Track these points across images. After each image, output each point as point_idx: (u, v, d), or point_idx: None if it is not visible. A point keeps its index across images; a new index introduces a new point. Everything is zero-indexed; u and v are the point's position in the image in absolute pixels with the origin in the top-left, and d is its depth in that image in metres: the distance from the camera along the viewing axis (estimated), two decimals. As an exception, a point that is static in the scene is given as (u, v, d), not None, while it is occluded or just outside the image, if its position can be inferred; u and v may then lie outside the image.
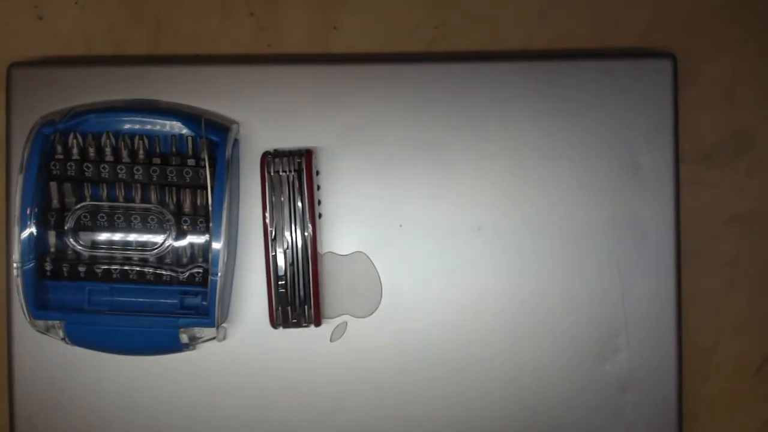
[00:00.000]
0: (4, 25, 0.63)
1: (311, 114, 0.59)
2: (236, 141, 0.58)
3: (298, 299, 0.57)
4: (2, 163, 0.59)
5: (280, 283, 0.56)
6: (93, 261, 0.56)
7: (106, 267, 0.56)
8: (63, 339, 0.56)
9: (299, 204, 0.56)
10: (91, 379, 0.59)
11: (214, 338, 0.56)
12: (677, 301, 0.59)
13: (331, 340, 0.59)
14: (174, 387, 0.59)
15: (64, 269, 0.56)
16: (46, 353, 0.59)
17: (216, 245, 0.54)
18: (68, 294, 0.56)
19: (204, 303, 0.56)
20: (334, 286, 0.58)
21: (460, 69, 0.59)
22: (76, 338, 0.56)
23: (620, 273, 0.59)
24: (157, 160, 0.56)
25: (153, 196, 0.57)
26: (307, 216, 0.56)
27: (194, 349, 0.57)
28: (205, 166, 0.55)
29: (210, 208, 0.55)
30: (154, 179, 0.56)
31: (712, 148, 0.62)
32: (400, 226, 0.59)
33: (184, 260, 0.57)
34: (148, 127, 0.57)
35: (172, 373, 0.59)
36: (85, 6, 0.62)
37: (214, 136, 0.56)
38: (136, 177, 0.56)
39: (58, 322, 0.55)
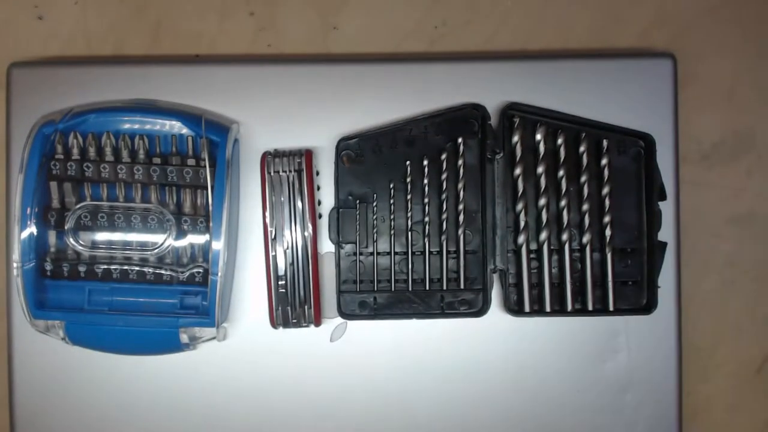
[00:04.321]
0: (4, 25, 0.63)
1: (311, 114, 0.59)
2: (236, 141, 0.58)
3: (298, 299, 0.57)
4: (2, 163, 0.59)
5: (280, 283, 0.56)
6: (93, 261, 0.56)
7: (106, 267, 0.56)
8: (63, 339, 0.56)
9: (299, 204, 0.56)
10: (91, 379, 0.59)
11: (214, 338, 0.56)
12: (677, 301, 0.59)
13: (331, 340, 0.59)
14: (174, 387, 0.59)
15: (64, 269, 0.56)
16: (46, 353, 0.59)
17: (216, 245, 0.55)
18: (68, 294, 0.56)
19: (204, 303, 0.56)
20: (334, 286, 0.58)
21: (460, 69, 0.59)
22: (76, 338, 0.56)
23: (620, 273, 0.59)
24: (157, 160, 0.56)
25: (153, 196, 0.57)
26: (307, 216, 0.56)
27: (194, 349, 0.57)
28: (205, 166, 0.55)
29: (210, 208, 0.55)
30: (154, 179, 0.56)
31: (712, 148, 0.62)
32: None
33: (184, 260, 0.57)
34: (148, 127, 0.57)
35: (172, 373, 0.59)
36: (85, 6, 0.62)
37: (214, 136, 0.56)
38: (136, 177, 0.56)
39: (58, 322, 0.55)
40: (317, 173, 0.58)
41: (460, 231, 0.57)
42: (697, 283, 0.62)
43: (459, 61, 0.60)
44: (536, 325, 0.59)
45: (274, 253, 0.56)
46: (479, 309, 0.58)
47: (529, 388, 0.59)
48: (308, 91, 0.59)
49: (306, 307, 0.57)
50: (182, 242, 0.56)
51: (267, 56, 0.62)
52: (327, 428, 0.59)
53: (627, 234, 0.58)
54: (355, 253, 0.58)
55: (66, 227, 0.56)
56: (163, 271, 0.56)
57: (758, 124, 0.62)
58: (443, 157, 0.58)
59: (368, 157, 0.58)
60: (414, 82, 0.59)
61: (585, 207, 0.58)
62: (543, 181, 0.58)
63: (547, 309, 0.58)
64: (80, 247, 0.56)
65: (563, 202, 0.58)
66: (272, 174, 0.56)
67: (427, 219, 0.58)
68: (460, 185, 0.58)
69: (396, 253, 0.58)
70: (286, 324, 0.57)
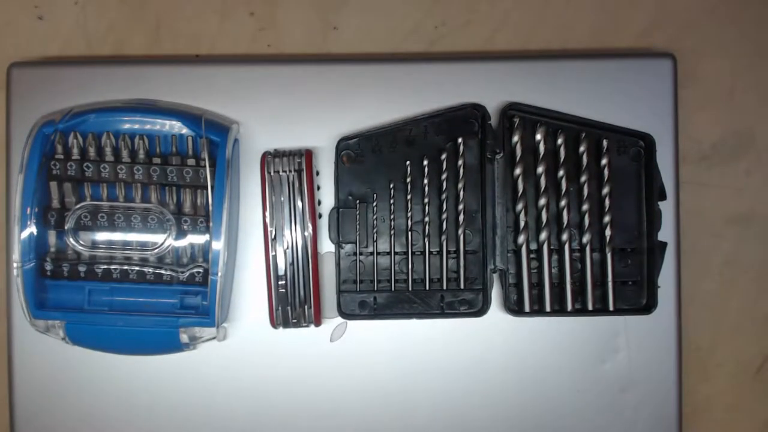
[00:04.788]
0: (4, 25, 0.63)
1: (311, 114, 0.59)
2: (236, 141, 0.58)
3: (298, 299, 0.57)
4: (2, 163, 0.59)
5: (280, 283, 0.56)
6: (93, 261, 0.56)
7: (106, 267, 0.56)
8: (63, 339, 0.56)
9: (299, 204, 0.56)
10: (91, 379, 0.59)
11: (214, 338, 0.56)
12: (677, 301, 0.59)
13: (331, 340, 0.59)
14: (174, 387, 0.59)
15: (64, 269, 0.56)
16: (46, 353, 0.59)
17: (216, 245, 0.55)
18: (68, 294, 0.56)
19: (204, 303, 0.56)
20: (334, 286, 0.58)
21: (460, 69, 0.59)
22: (76, 338, 0.56)
23: (620, 273, 0.59)
24: (157, 160, 0.57)
25: (153, 196, 0.57)
26: (307, 216, 0.56)
27: (194, 349, 0.57)
28: (205, 166, 0.55)
29: (210, 208, 0.55)
30: (154, 179, 0.56)
31: (712, 148, 0.62)
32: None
33: (184, 260, 0.57)
34: (148, 127, 0.57)
35: (172, 373, 0.59)
36: (85, 6, 0.62)
37: (214, 136, 0.56)
38: (136, 177, 0.56)
39: (58, 322, 0.55)
40: (317, 173, 0.58)
41: (460, 231, 0.58)
42: (697, 283, 0.62)
43: (459, 61, 0.60)
44: (536, 325, 0.59)
45: (274, 253, 0.56)
46: (479, 309, 0.58)
47: (529, 388, 0.59)
48: (308, 91, 0.59)
49: (306, 307, 0.57)
50: (182, 242, 0.56)
51: (267, 56, 0.62)
52: (327, 428, 0.59)
53: (627, 234, 0.59)
54: (355, 253, 0.58)
55: (66, 227, 0.56)
56: (163, 271, 0.56)
57: (758, 124, 0.62)
58: (443, 157, 0.58)
59: (368, 157, 0.58)
60: (414, 82, 0.59)
61: (585, 207, 0.58)
62: (543, 181, 0.58)
63: (547, 309, 0.58)
64: (80, 247, 0.56)
65: (563, 202, 0.58)
66: (272, 174, 0.56)
67: (427, 219, 0.58)
68: (460, 185, 0.58)
69: (396, 253, 0.58)
70: (286, 324, 0.57)
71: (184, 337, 0.56)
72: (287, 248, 0.56)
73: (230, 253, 0.57)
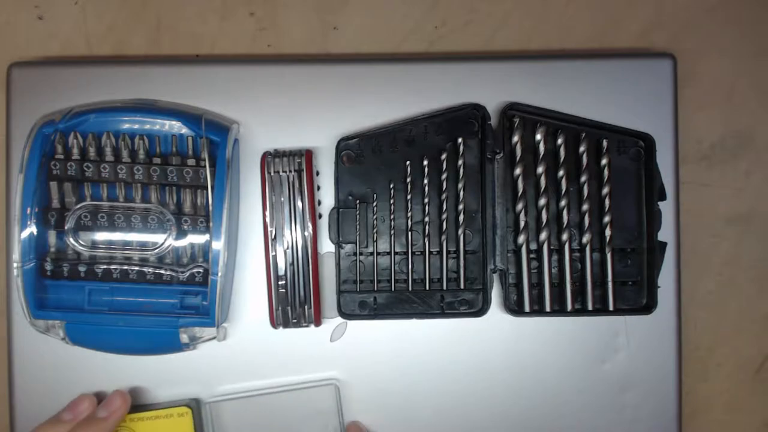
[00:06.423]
0: (4, 25, 0.63)
1: (311, 114, 0.59)
2: (236, 141, 0.58)
3: (298, 299, 0.57)
4: (2, 163, 0.59)
5: (280, 283, 0.56)
6: (93, 261, 0.56)
7: (106, 267, 0.56)
8: (63, 339, 0.56)
9: (299, 204, 0.56)
10: (91, 379, 0.59)
11: (214, 338, 0.56)
12: (677, 301, 0.59)
13: (331, 340, 0.59)
14: (174, 387, 0.59)
15: (65, 269, 0.56)
16: (46, 353, 0.59)
17: (216, 245, 0.55)
18: (68, 294, 0.56)
19: (204, 303, 0.56)
20: (334, 286, 0.58)
21: (460, 69, 0.59)
22: (76, 338, 0.56)
23: (620, 273, 0.59)
24: (157, 160, 0.57)
25: (153, 196, 0.57)
26: (307, 216, 0.56)
27: (194, 349, 0.57)
28: (205, 166, 0.55)
29: (210, 208, 0.55)
30: (155, 179, 0.56)
31: (711, 148, 0.62)
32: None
33: (185, 260, 0.57)
34: (148, 127, 0.57)
35: (172, 373, 0.59)
36: (85, 6, 0.62)
37: (214, 136, 0.56)
38: (136, 177, 0.56)
39: (58, 322, 0.55)
40: (317, 173, 0.58)
41: (460, 231, 0.58)
42: (697, 283, 0.62)
43: (459, 61, 0.60)
44: (536, 325, 0.59)
45: (274, 253, 0.56)
46: (479, 309, 0.58)
47: (529, 388, 0.59)
48: (308, 91, 0.59)
49: (306, 307, 0.57)
50: (182, 242, 0.56)
51: (267, 56, 0.62)
52: (327, 428, 0.59)
53: (627, 234, 0.59)
54: (355, 253, 0.58)
55: (66, 227, 0.56)
56: (163, 271, 0.56)
57: (758, 124, 0.62)
58: (443, 157, 0.58)
59: (368, 157, 0.58)
60: (414, 82, 0.59)
61: (585, 207, 0.58)
62: (543, 181, 0.58)
63: (547, 309, 0.58)
64: (80, 247, 0.56)
65: (563, 202, 0.58)
66: (272, 174, 0.56)
67: (427, 219, 0.58)
68: (460, 185, 0.58)
69: (396, 253, 0.58)
70: (286, 324, 0.57)
71: (184, 337, 0.56)
72: (287, 248, 0.56)
73: (230, 253, 0.57)
